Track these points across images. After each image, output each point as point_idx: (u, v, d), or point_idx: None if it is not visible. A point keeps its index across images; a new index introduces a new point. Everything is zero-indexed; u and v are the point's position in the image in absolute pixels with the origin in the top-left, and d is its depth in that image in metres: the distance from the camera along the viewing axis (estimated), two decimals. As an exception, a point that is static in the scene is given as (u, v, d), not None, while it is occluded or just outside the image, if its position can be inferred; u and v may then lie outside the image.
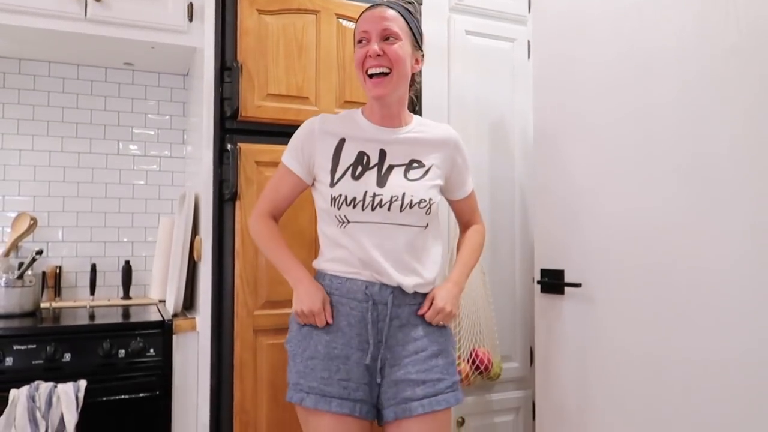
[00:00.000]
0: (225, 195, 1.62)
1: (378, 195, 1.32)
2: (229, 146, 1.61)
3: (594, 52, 1.64)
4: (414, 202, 1.33)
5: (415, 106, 1.71)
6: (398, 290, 1.33)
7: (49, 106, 2.09)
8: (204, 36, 1.67)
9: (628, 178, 1.53)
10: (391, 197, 1.32)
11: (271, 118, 1.67)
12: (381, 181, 1.34)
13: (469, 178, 1.51)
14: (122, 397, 1.54)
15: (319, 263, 1.40)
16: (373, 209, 1.31)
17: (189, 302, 1.84)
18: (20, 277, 1.71)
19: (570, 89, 1.71)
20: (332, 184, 1.34)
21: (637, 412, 1.49)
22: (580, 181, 1.67)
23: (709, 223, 1.33)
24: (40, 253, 1.74)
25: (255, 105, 1.65)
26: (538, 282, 1.80)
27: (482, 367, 1.89)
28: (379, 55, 1.31)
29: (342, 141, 1.37)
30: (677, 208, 1.41)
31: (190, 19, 1.83)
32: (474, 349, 1.91)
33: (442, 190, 1.45)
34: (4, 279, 1.70)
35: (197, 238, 1.73)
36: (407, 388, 1.30)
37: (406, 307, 1.34)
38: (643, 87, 1.50)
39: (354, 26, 1.46)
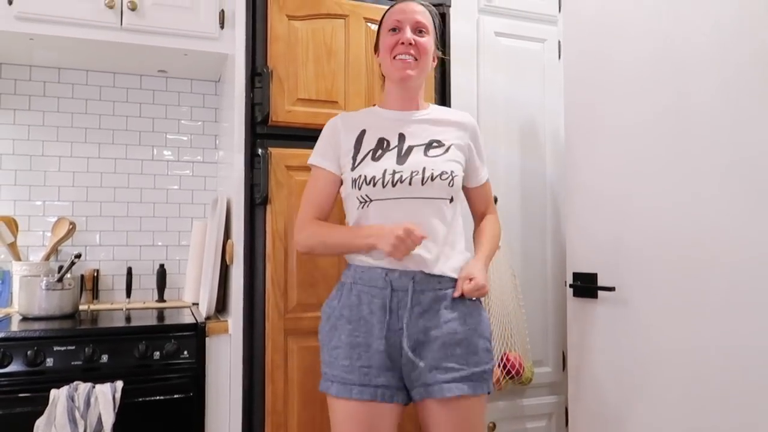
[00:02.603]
0: (256, 199, 1.63)
1: (398, 172, 1.34)
2: (260, 151, 1.63)
3: (627, 50, 1.61)
4: (435, 175, 1.35)
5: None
6: (420, 274, 1.32)
7: (87, 114, 2.15)
8: (235, 43, 1.70)
9: (663, 178, 1.50)
10: (412, 172, 1.34)
11: (301, 122, 1.69)
12: (401, 160, 1.37)
13: (485, 167, 1.53)
14: (157, 398, 1.57)
15: (349, 257, 1.42)
16: (393, 185, 1.33)
17: (222, 305, 1.86)
18: (60, 280, 1.76)
19: (602, 89, 1.68)
20: (353, 168, 1.38)
21: (676, 419, 1.45)
22: (613, 183, 1.64)
23: (748, 223, 1.29)
24: (78, 256, 1.79)
25: (285, 110, 1.67)
26: (571, 285, 1.77)
27: (513, 372, 1.87)
28: (411, 44, 1.38)
29: (363, 131, 1.42)
30: (714, 209, 1.37)
31: (222, 26, 1.87)
32: (505, 353, 1.89)
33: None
34: (44, 282, 1.75)
35: (229, 241, 1.75)
36: (427, 373, 1.30)
37: (430, 292, 1.32)
38: (678, 84, 1.46)
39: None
